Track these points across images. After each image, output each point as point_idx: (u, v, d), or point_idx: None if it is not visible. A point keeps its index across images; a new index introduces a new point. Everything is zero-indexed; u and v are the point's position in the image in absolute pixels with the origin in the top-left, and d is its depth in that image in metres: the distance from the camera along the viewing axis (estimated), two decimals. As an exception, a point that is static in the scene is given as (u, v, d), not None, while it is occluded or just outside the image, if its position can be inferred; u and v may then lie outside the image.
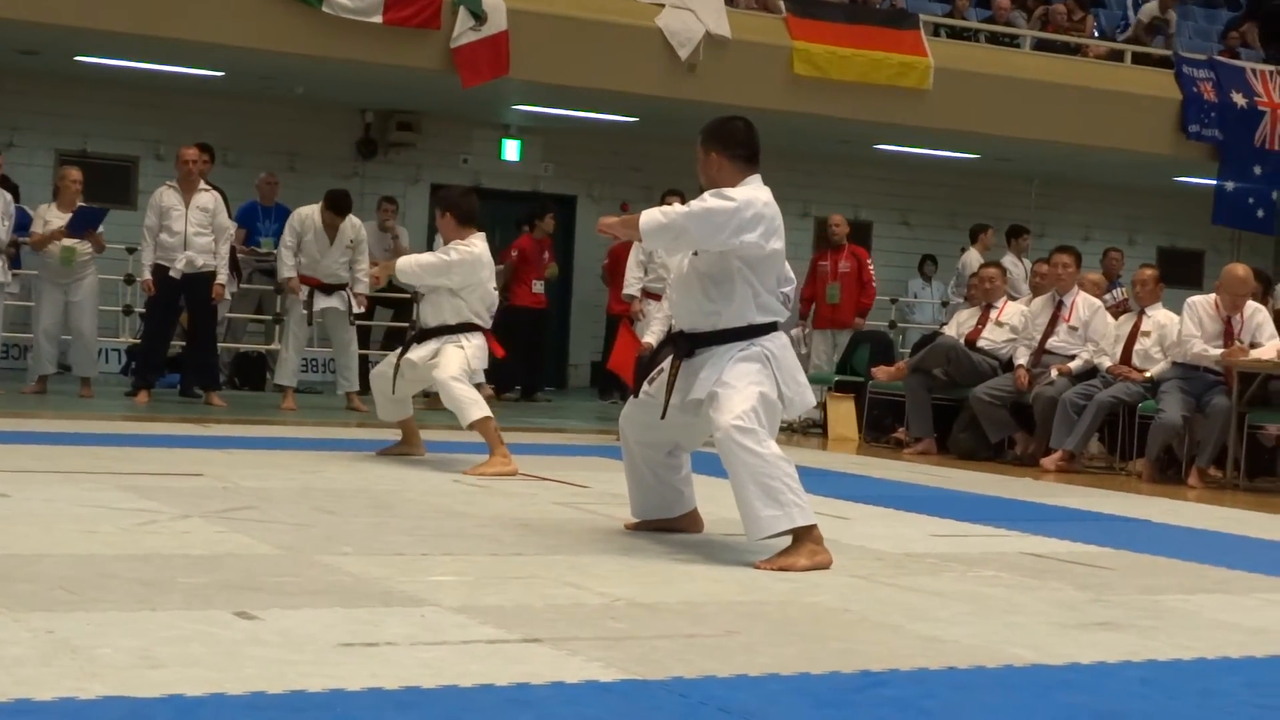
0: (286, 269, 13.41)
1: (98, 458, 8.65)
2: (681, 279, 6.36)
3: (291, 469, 8.67)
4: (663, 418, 6.30)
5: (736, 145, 6.31)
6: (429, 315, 9.37)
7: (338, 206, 13.47)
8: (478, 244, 9.31)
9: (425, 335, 9.34)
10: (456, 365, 9.12)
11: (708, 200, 6.11)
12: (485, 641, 4.37)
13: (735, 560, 6.12)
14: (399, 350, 9.47)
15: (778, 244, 6.22)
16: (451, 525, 6.81)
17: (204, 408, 12.90)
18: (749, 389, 6.07)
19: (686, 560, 6.10)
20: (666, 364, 6.36)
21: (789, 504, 5.98)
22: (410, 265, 9.30)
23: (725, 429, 6.00)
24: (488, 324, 9.46)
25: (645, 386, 6.49)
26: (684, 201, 14.78)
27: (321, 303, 13.43)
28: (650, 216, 6.13)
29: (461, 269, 9.19)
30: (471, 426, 9.08)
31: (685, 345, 6.28)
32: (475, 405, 9.06)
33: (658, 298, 14.39)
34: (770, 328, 6.26)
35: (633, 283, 14.43)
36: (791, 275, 6.57)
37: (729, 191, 6.14)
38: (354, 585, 5.13)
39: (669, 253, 6.87)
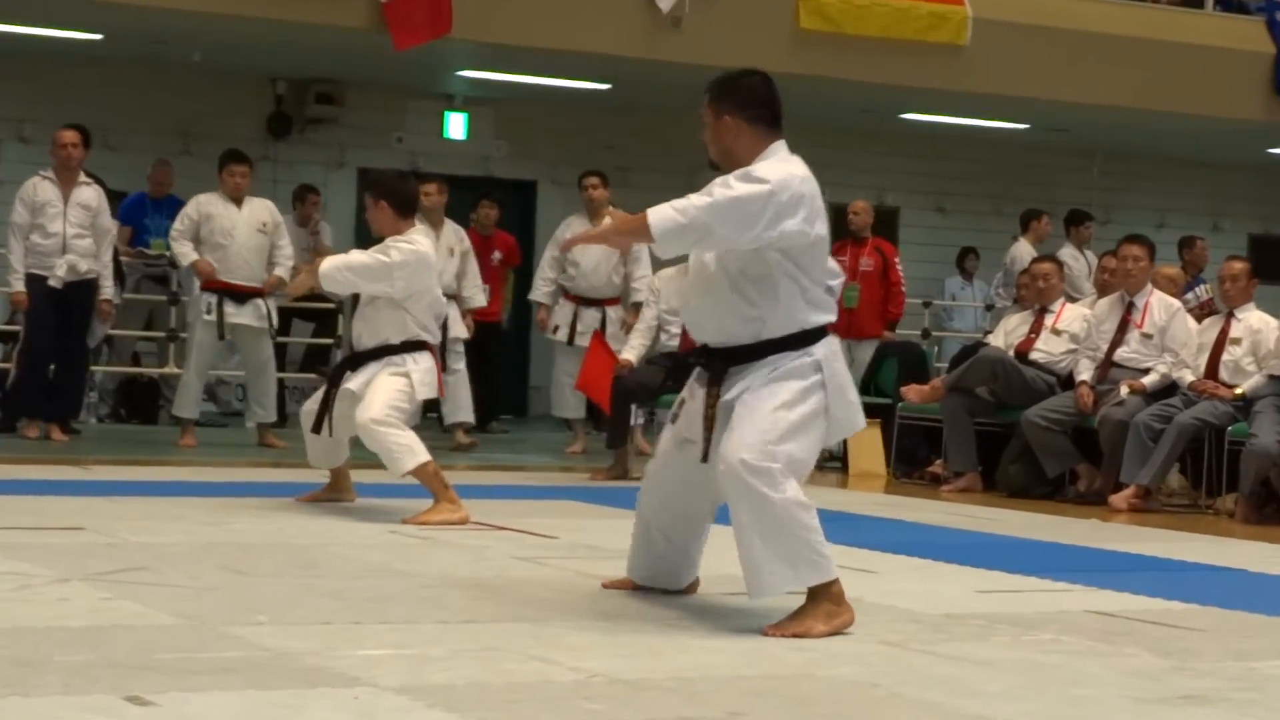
0: (186, 256, 13.38)
1: (-47, 510, 8.66)
2: (704, 281, 6.25)
3: (192, 520, 8.67)
4: (704, 460, 6.15)
5: (756, 105, 6.21)
6: (365, 334, 9.28)
7: (225, 160, 13.59)
8: (421, 240, 9.27)
9: (362, 359, 9.27)
10: (380, 404, 8.99)
11: (734, 186, 5.99)
12: (433, 729, 4.40)
13: (737, 625, 6.13)
14: (328, 381, 9.42)
15: (822, 228, 6.13)
16: (389, 586, 6.81)
17: (69, 446, 12.88)
18: (776, 414, 6.01)
19: (678, 625, 6.12)
20: (693, 394, 6.29)
21: (803, 558, 5.99)
22: (338, 270, 9.15)
23: (732, 465, 5.97)
24: (436, 338, 9.46)
25: (667, 434, 6.45)
26: (606, 184, 14.93)
27: (233, 315, 13.39)
28: (662, 216, 5.96)
29: (405, 272, 9.10)
30: (407, 475, 9.08)
31: (719, 366, 6.19)
32: (407, 453, 9.00)
33: (577, 300, 14.54)
34: (822, 331, 6.17)
35: (541, 285, 14.48)
36: (836, 267, 6.46)
37: (758, 170, 6.04)
38: (270, 662, 5.13)
39: (669, 255, 6.51)
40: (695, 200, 5.98)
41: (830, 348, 6.20)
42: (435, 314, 9.42)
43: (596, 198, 14.36)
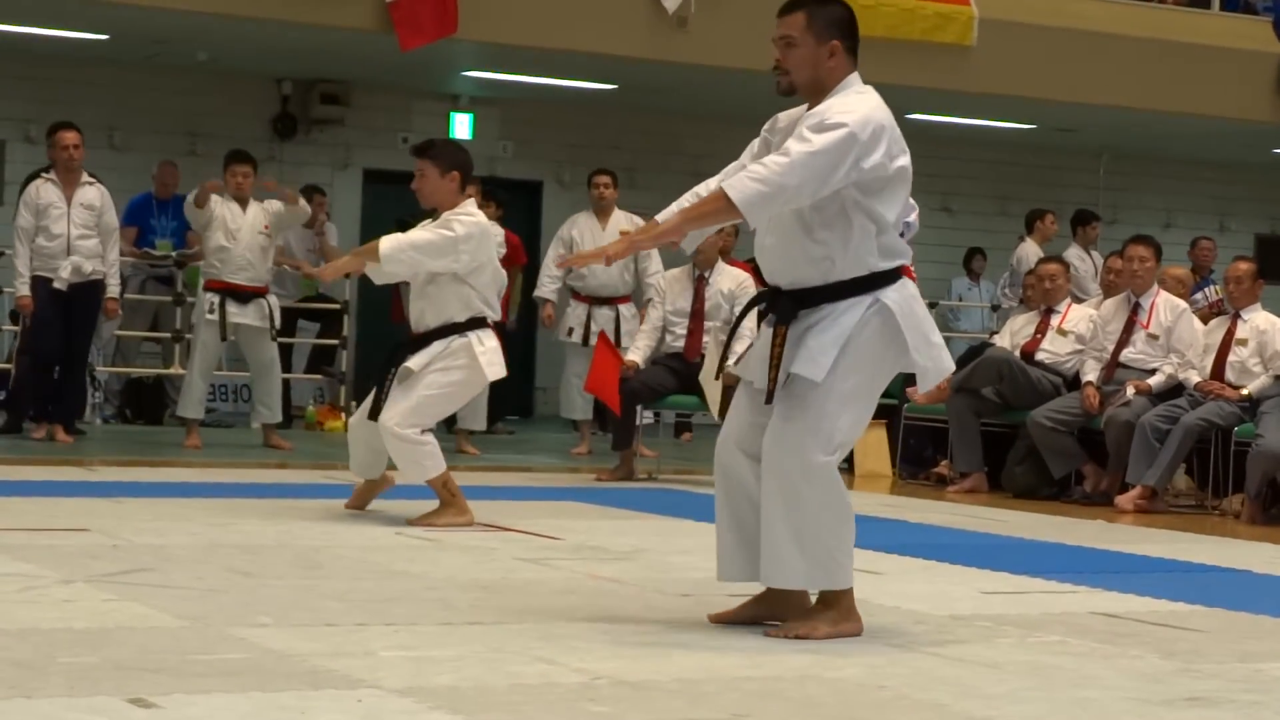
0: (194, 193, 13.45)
1: (-42, 511, 8.67)
2: (775, 221, 6.04)
3: (197, 522, 8.67)
4: (768, 401, 5.99)
5: (852, 35, 6.10)
6: (428, 313, 8.99)
7: (229, 160, 13.61)
8: (478, 211, 9.07)
9: (426, 339, 9.01)
10: (407, 410, 8.83)
11: (812, 140, 5.82)
12: (437, 731, 4.40)
13: (742, 626, 6.12)
14: (384, 365, 9.14)
15: (904, 159, 5.98)
16: (394, 588, 6.81)
17: (74, 447, 12.88)
18: (839, 394, 5.92)
19: (682, 626, 6.12)
20: (754, 335, 6.15)
21: (820, 562, 5.96)
22: (401, 250, 8.82)
23: (781, 463, 5.90)
24: (497, 314, 9.24)
25: (732, 371, 6.27)
26: (616, 184, 14.90)
27: (235, 315, 13.41)
28: (745, 190, 5.79)
29: (470, 245, 8.87)
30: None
31: (788, 307, 6.02)
32: (418, 467, 8.94)
33: (589, 300, 14.50)
34: (894, 275, 6.02)
35: (547, 282, 14.47)
36: (913, 202, 6.25)
37: (834, 114, 5.88)
38: (275, 663, 5.14)
39: (758, 224, 6.11)
40: (772, 164, 5.82)
41: (904, 292, 6.02)
42: (498, 286, 9.26)
43: (607, 196, 14.38)
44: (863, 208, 5.93)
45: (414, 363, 8.91)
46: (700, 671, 5.32)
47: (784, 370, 5.96)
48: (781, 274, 6.09)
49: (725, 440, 6.25)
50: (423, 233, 8.95)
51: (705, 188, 6.18)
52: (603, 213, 14.36)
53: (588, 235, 14.25)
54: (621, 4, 16.29)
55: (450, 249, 8.86)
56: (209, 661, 5.12)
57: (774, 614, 6.18)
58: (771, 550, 5.98)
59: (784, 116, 6.22)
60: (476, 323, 9.02)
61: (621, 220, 14.15)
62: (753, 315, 6.36)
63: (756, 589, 6.24)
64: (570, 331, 14.76)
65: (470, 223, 8.93)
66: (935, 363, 6.10)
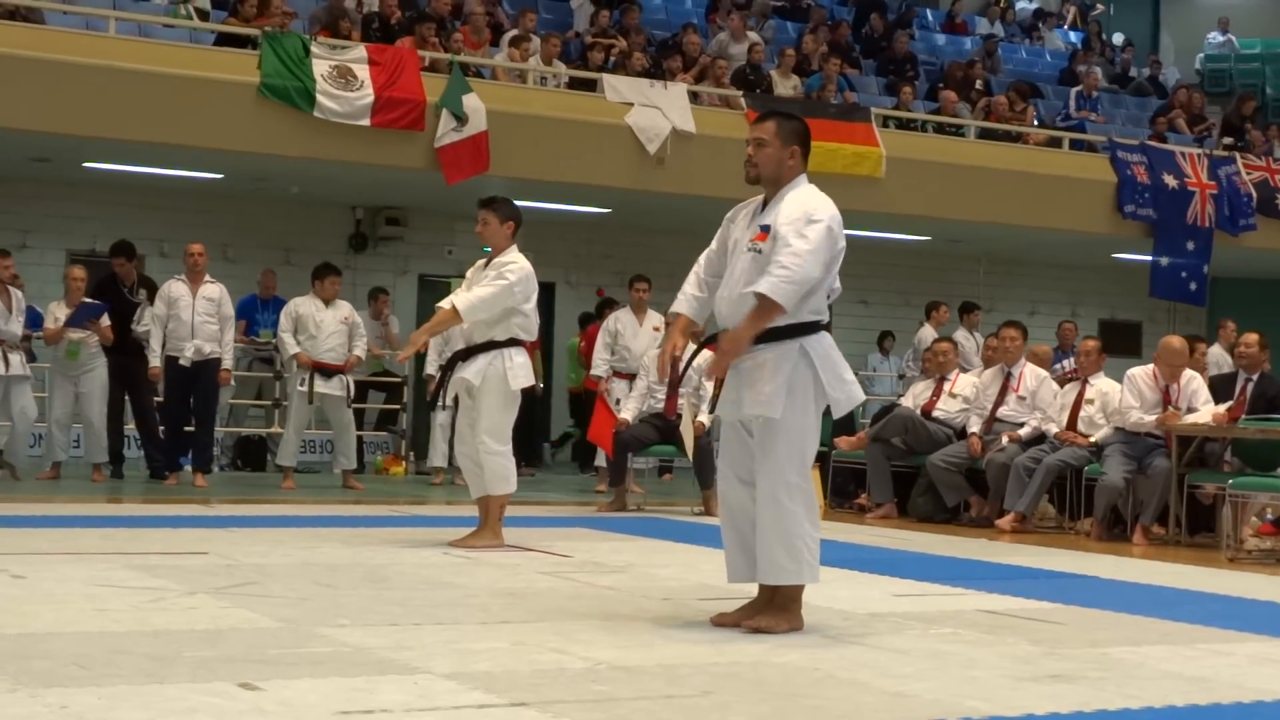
0: (290, 348, 13.44)
1: (108, 539, 8.61)
2: (733, 279, 6.06)
3: (291, 545, 8.64)
4: (712, 411, 6.10)
5: (807, 146, 6.18)
6: (476, 333, 8.84)
7: (322, 272, 13.59)
8: (521, 257, 8.92)
9: (472, 351, 8.85)
10: (491, 425, 8.71)
11: (808, 237, 5.88)
12: (475, 706, 4.36)
13: (709, 622, 6.10)
14: (442, 369, 8.95)
15: (843, 241, 6.07)
16: (442, 596, 6.79)
17: (193, 489, 12.81)
18: (798, 428, 5.94)
19: (664, 624, 6.10)
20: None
21: (804, 562, 5.95)
22: (474, 307, 8.70)
23: (771, 488, 5.90)
24: (533, 337, 9.04)
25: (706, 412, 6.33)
26: (650, 287, 14.75)
27: (320, 387, 13.41)
28: (782, 291, 5.80)
29: (522, 285, 8.79)
30: (483, 498, 8.91)
31: None
32: (503, 482, 8.81)
33: (624, 377, 14.45)
34: (816, 327, 6.03)
35: (600, 364, 14.45)
36: (838, 285, 6.28)
37: (812, 212, 5.95)
38: (351, 655, 5.11)
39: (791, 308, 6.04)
40: (792, 265, 5.82)
41: (823, 342, 6.04)
42: (534, 315, 9.02)
43: (644, 297, 14.29)
44: None
45: (468, 373, 8.77)
46: (677, 658, 5.30)
47: (735, 405, 5.99)
48: (731, 319, 6.07)
49: (723, 472, 6.25)
50: (486, 289, 8.75)
51: (693, 287, 6.16)
52: (639, 309, 14.26)
53: (627, 327, 14.13)
54: (613, 148, 16.33)
55: (508, 294, 8.75)
56: (300, 654, 5.10)
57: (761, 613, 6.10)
58: (766, 556, 5.95)
59: (741, 208, 6.26)
60: (512, 342, 8.87)
61: (655, 317, 14.05)
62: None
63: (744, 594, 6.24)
64: (618, 401, 14.64)
65: (517, 269, 8.83)
66: (847, 396, 6.10)
